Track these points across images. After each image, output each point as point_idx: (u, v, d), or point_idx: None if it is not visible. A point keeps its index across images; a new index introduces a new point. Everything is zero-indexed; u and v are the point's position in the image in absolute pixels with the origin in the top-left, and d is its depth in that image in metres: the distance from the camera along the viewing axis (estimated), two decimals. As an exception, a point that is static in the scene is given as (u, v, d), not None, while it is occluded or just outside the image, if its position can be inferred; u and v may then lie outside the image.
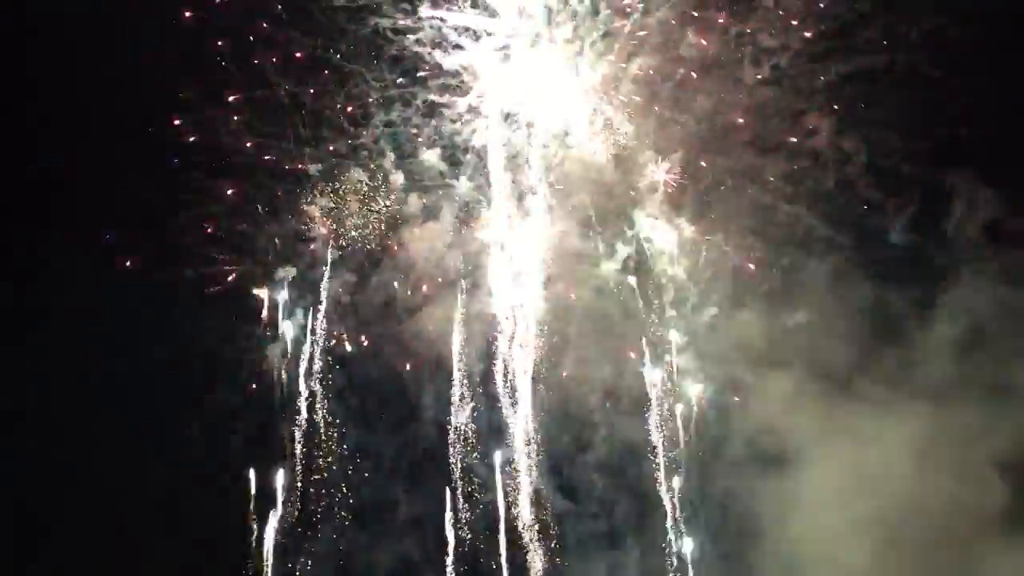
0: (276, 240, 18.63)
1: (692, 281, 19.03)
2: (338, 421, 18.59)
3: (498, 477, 18.20)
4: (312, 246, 18.76)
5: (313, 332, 18.70)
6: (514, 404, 18.36)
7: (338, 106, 17.88)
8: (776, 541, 17.92)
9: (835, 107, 17.79)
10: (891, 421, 17.73)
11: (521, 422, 18.30)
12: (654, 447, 18.58)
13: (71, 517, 18.12)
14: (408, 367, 18.75)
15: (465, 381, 18.51)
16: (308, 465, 18.28)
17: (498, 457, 18.32)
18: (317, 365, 18.62)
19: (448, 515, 18.15)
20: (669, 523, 18.21)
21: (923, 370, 17.91)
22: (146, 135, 17.46)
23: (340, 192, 18.63)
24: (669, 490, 18.40)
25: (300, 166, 18.22)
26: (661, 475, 18.45)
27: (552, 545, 18.11)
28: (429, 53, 17.43)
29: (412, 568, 18.45)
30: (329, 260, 18.76)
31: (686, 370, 18.96)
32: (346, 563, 18.38)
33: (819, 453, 18.11)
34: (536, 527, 18.10)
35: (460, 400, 18.45)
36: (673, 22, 17.19)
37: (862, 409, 17.95)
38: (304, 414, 18.40)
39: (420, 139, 18.23)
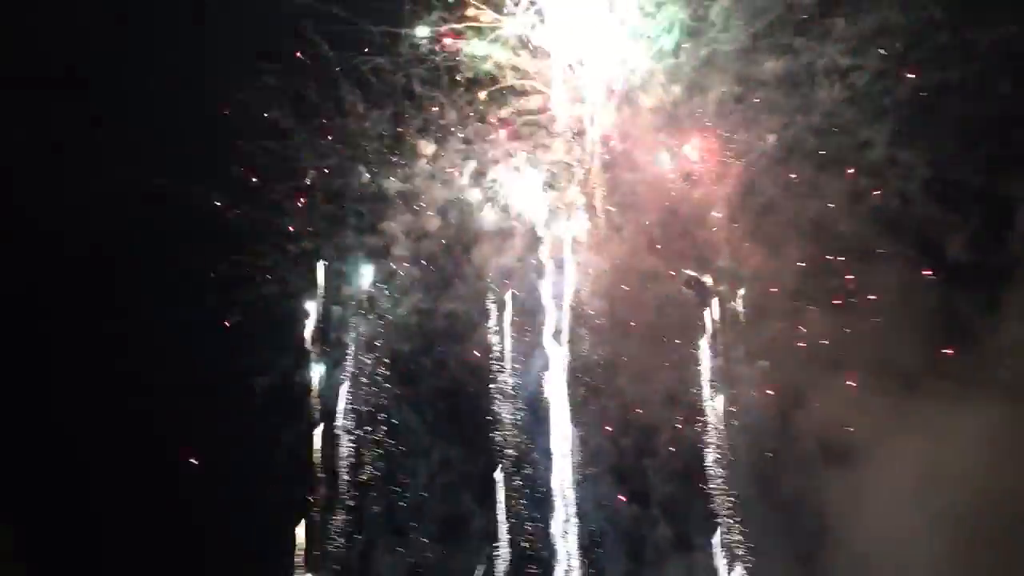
0: (354, 257, 19.37)
1: (754, 292, 19.27)
2: (405, 434, 19.27)
3: (559, 484, 18.63)
4: (390, 263, 19.46)
5: (382, 347, 19.36)
6: (575, 414, 18.82)
7: (417, 127, 18.63)
8: (847, 539, 18.14)
9: (904, 121, 17.91)
10: (964, 416, 17.84)
11: (580, 430, 18.76)
12: (719, 450, 18.92)
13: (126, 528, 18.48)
14: (474, 381, 19.27)
15: (522, 392, 18.98)
16: (374, 479, 18.97)
17: (558, 465, 18.74)
18: (384, 381, 19.27)
19: (505, 524, 18.58)
20: (732, 528, 18.56)
21: (994, 367, 18.02)
22: (232, 158, 18.26)
23: (419, 209, 19.28)
24: (733, 494, 18.72)
25: (379, 186, 18.97)
26: (722, 478, 18.81)
27: (617, 552, 18.64)
28: (503, 76, 18.02)
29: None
30: (404, 276, 19.46)
31: (749, 376, 19.21)
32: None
33: (890, 450, 18.21)
34: (602, 534, 18.61)
35: (517, 411, 18.94)
36: (746, 44, 17.54)
37: (934, 405, 18.04)
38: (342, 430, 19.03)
39: (494, 157, 18.80)
